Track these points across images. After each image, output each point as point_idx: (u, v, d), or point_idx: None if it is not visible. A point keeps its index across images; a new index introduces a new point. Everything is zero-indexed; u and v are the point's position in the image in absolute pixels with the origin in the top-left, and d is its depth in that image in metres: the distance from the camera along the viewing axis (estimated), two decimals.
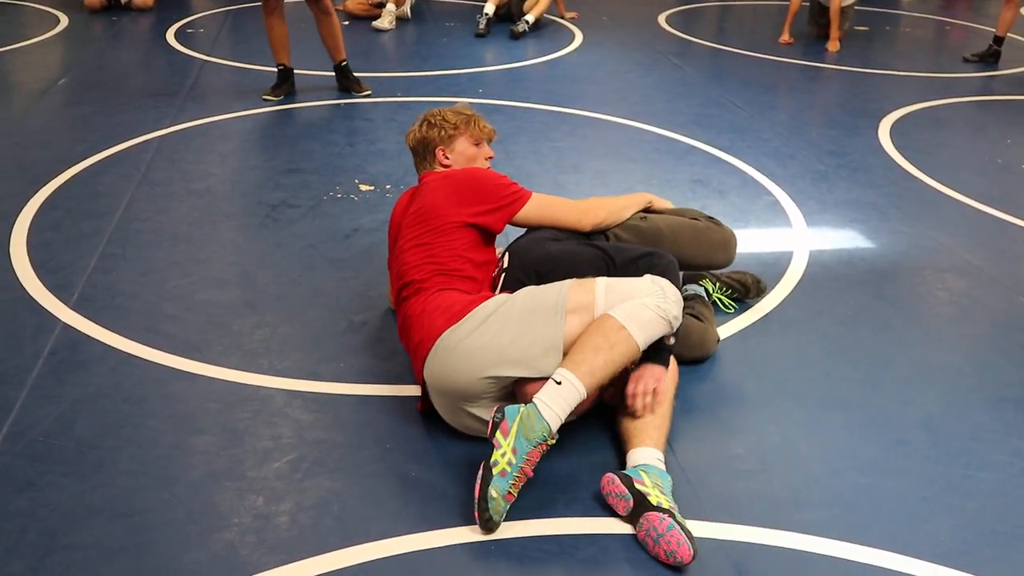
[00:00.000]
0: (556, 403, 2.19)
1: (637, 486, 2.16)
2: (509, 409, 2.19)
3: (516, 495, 2.16)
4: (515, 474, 2.13)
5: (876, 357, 3.01)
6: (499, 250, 2.84)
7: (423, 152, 2.90)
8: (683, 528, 2.08)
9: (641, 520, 2.13)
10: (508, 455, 2.14)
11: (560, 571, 2.07)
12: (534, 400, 2.20)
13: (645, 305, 2.32)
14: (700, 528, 2.21)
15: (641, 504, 2.14)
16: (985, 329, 3.26)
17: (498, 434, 2.16)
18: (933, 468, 2.48)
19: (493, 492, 2.10)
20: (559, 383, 2.21)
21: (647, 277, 2.42)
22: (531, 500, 2.27)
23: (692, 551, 2.05)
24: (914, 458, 2.52)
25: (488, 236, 2.70)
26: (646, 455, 2.29)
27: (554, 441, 2.19)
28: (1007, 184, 4.60)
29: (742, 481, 2.38)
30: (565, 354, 2.30)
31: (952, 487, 2.41)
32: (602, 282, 2.39)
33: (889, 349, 3.07)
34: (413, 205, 2.71)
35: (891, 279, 3.57)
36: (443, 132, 2.85)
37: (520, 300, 2.40)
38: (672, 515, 2.09)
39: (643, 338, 2.30)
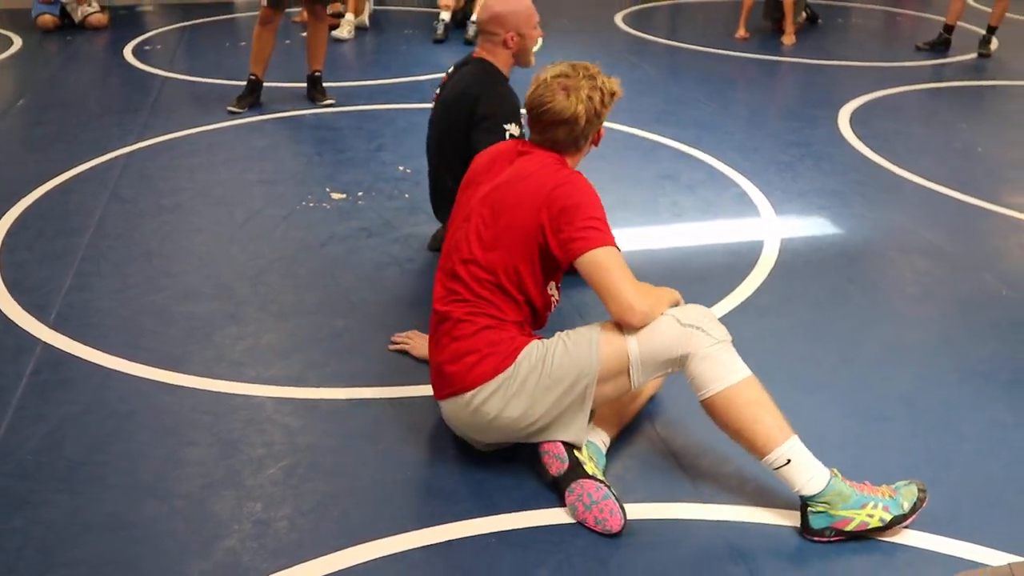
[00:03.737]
0: (807, 472, 2.15)
1: (575, 454, 2.24)
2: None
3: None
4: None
5: (851, 338, 3.09)
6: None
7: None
8: (618, 500, 2.16)
9: (573, 485, 2.21)
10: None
11: (560, 560, 2.11)
12: (805, 492, 2.16)
13: (718, 351, 2.19)
14: (695, 510, 2.26)
15: (575, 470, 2.22)
16: (953, 307, 3.36)
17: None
18: (913, 442, 2.56)
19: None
20: (788, 462, 2.15)
21: (670, 317, 2.23)
22: (529, 492, 2.31)
23: (623, 522, 2.14)
24: (894, 433, 2.59)
25: (550, 267, 2.35)
26: (594, 435, 2.38)
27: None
28: (965, 167, 4.73)
29: (731, 463, 2.44)
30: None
31: (932, 459, 2.48)
32: (633, 343, 2.21)
33: (863, 330, 3.15)
34: (508, 172, 2.38)
35: (860, 262, 3.66)
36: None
37: (556, 361, 2.23)
38: (608, 486, 2.18)
39: (742, 368, 2.21)
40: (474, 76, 3.20)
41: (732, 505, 2.29)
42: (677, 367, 2.22)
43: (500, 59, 3.21)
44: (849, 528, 2.13)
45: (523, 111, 3.14)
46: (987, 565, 2.08)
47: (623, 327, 2.22)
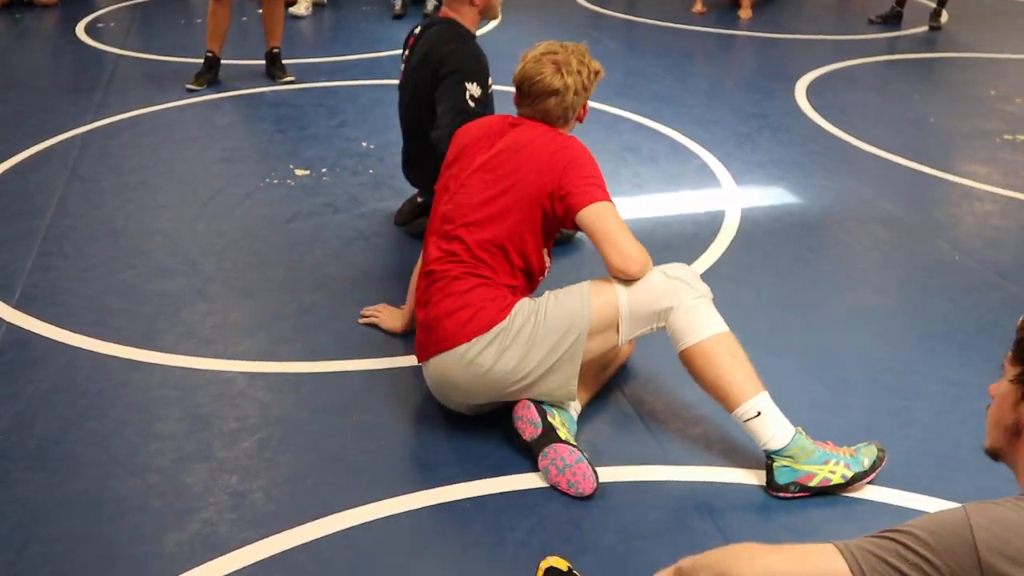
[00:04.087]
0: (774, 426, 2.22)
1: (548, 419, 2.30)
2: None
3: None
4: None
5: (812, 304, 3.17)
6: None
7: None
8: (590, 463, 2.23)
9: (547, 449, 2.26)
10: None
11: (533, 523, 2.16)
12: (770, 446, 2.23)
13: (699, 304, 2.28)
14: (664, 472, 2.33)
15: (548, 435, 2.27)
16: (910, 272, 3.45)
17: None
18: (874, 401, 2.64)
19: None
20: (759, 414, 2.22)
21: (656, 271, 2.32)
22: (502, 459, 2.35)
23: (595, 485, 2.20)
24: (856, 394, 2.67)
25: (549, 231, 2.45)
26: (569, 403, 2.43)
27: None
28: (918, 136, 4.83)
29: (698, 426, 2.50)
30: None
31: (892, 417, 2.57)
32: (623, 294, 2.28)
33: (823, 296, 3.23)
34: (504, 142, 2.45)
35: (819, 231, 3.73)
36: None
37: (549, 316, 2.28)
38: (581, 451, 2.24)
39: (720, 322, 2.30)
40: (440, 36, 3.18)
41: (699, 466, 2.35)
42: (661, 321, 2.29)
43: (467, 17, 3.21)
44: (812, 484, 2.20)
45: (491, 80, 3.19)
46: None
47: (618, 278, 2.30)
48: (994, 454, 1.47)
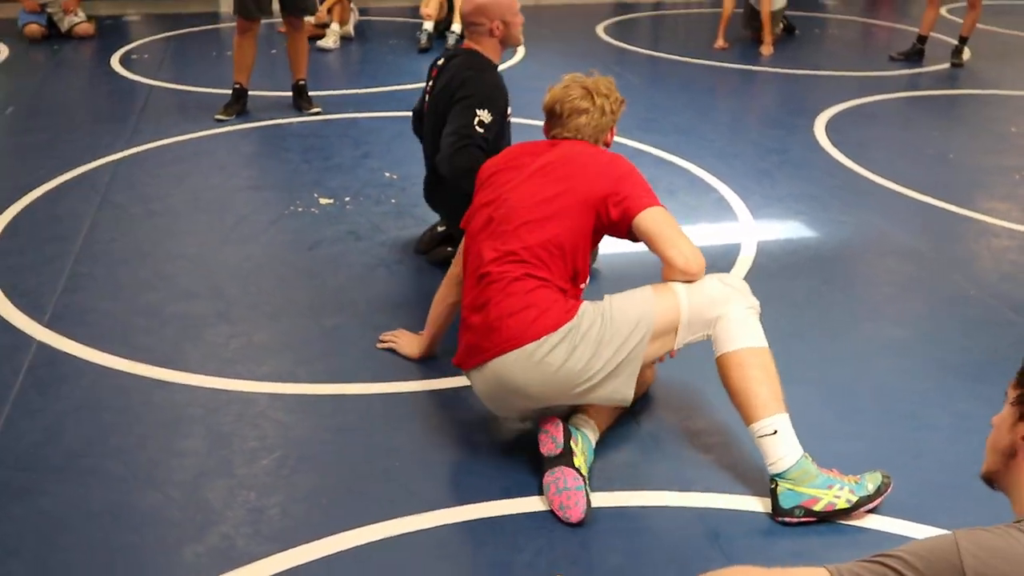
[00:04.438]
0: (785, 448, 2.27)
1: (571, 443, 2.34)
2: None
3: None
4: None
5: (828, 336, 3.20)
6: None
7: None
8: (587, 495, 2.27)
9: (557, 469, 2.30)
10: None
11: (542, 544, 2.20)
12: (776, 468, 2.28)
13: (748, 315, 2.37)
14: (674, 498, 2.36)
15: (564, 457, 2.32)
16: (925, 305, 3.48)
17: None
18: (885, 431, 2.66)
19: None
20: (775, 432, 2.27)
21: (715, 276, 2.41)
22: (513, 481, 2.40)
23: (582, 516, 2.24)
24: (868, 424, 2.70)
25: (596, 239, 2.51)
26: (587, 427, 2.46)
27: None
28: (937, 172, 4.86)
29: (710, 453, 2.54)
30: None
31: (903, 447, 2.59)
32: (684, 299, 2.34)
33: (839, 328, 3.26)
34: (551, 155, 2.53)
35: (836, 264, 3.77)
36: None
37: (616, 316, 2.31)
38: (586, 482, 2.29)
39: (762, 337, 2.38)
40: (461, 65, 3.26)
41: (708, 492, 2.38)
42: (711, 329, 2.36)
43: (488, 48, 3.30)
44: (817, 508, 2.23)
45: (510, 110, 3.27)
46: None
47: (677, 281, 2.37)
48: (990, 479, 1.51)
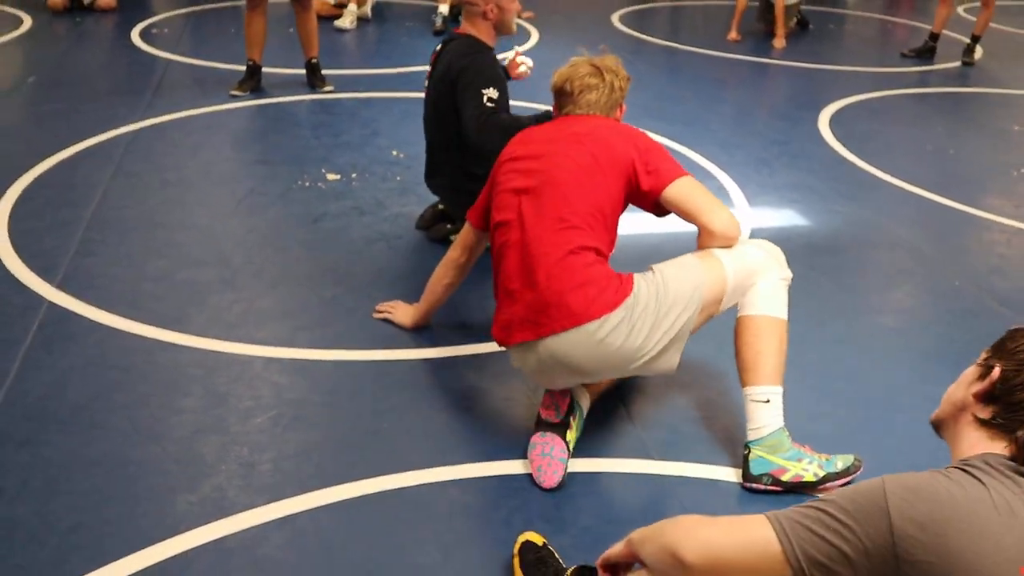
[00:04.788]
0: (770, 417, 2.38)
1: (571, 417, 2.45)
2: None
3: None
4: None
5: (809, 321, 3.27)
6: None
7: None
8: (566, 468, 2.37)
9: (548, 434, 2.41)
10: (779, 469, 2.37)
11: (518, 503, 2.31)
12: (754, 435, 2.38)
13: (779, 287, 2.45)
14: (646, 466, 2.47)
15: (560, 428, 2.42)
16: (910, 295, 3.56)
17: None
18: (856, 412, 2.76)
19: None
20: (767, 401, 2.38)
21: (754, 244, 2.50)
22: (492, 445, 2.51)
23: (557, 484, 2.34)
24: (840, 405, 2.79)
25: (623, 204, 2.51)
26: (584, 399, 2.55)
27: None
28: (936, 168, 4.92)
29: (684, 427, 2.64)
30: None
31: (871, 427, 2.68)
32: (729, 268, 2.39)
33: (821, 314, 3.34)
34: (575, 126, 2.54)
35: (826, 253, 3.85)
36: None
37: (670, 288, 2.33)
38: (569, 455, 2.40)
39: (785, 309, 2.46)
40: (457, 49, 3.37)
41: (679, 462, 2.49)
42: (744, 295, 2.43)
43: (482, 31, 3.40)
44: (784, 478, 2.33)
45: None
46: None
47: (717, 244, 2.42)
48: (937, 425, 1.61)
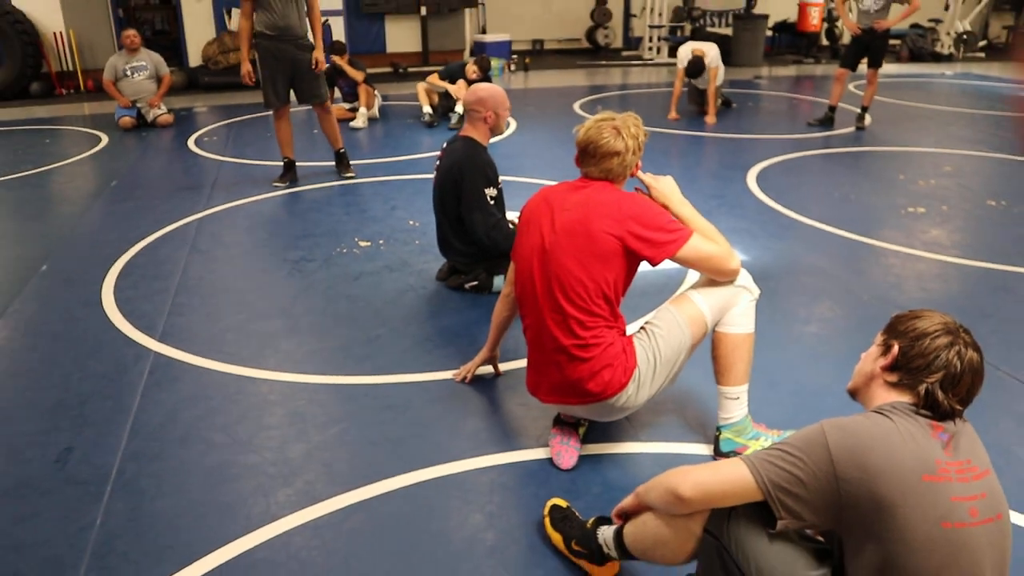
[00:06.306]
0: (738, 408, 2.55)
1: (582, 420, 2.66)
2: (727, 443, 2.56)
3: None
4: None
5: (756, 331, 3.51)
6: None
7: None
8: (579, 453, 2.57)
9: (566, 428, 2.62)
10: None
11: (542, 480, 2.50)
12: (725, 422, 2.55)
13: (749, 307, 2.48)
14: (637, 447, 2.67)
15: (576, 427, 2.64)
16: (829, 309, 3.80)
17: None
18: (796, 396, 2.98)
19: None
20: (738, 398, 2.53)
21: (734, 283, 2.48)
22: (526, 440, 2.71)
23: (572, 466, 2.53)
24: (784, 392, 3.02)
25: (632, 271, 2.42)
26: None
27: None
28: (843, 210, 5.21)
29: (664, 415, 2.85)
30: None
31: (808, 406, 2.91)
32: (706, 310, 2.42)
33: (763, 327, 3.56)
34: (577, 203, 2.41)
35: (761, 279, 3.99)
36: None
37: (663, 351, 2.40)
38: (580, 443, 2.60)
39: (753, 323, 2.52)
40: (460, 151, 3.66)
41: (663, 442, 2.70)
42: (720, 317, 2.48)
43: (480, 133, 3.68)
44: (747, 454, 2.53)
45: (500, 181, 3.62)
46: None
47: (726, 281, 2.45)
48: (853, 393, 1.83)
